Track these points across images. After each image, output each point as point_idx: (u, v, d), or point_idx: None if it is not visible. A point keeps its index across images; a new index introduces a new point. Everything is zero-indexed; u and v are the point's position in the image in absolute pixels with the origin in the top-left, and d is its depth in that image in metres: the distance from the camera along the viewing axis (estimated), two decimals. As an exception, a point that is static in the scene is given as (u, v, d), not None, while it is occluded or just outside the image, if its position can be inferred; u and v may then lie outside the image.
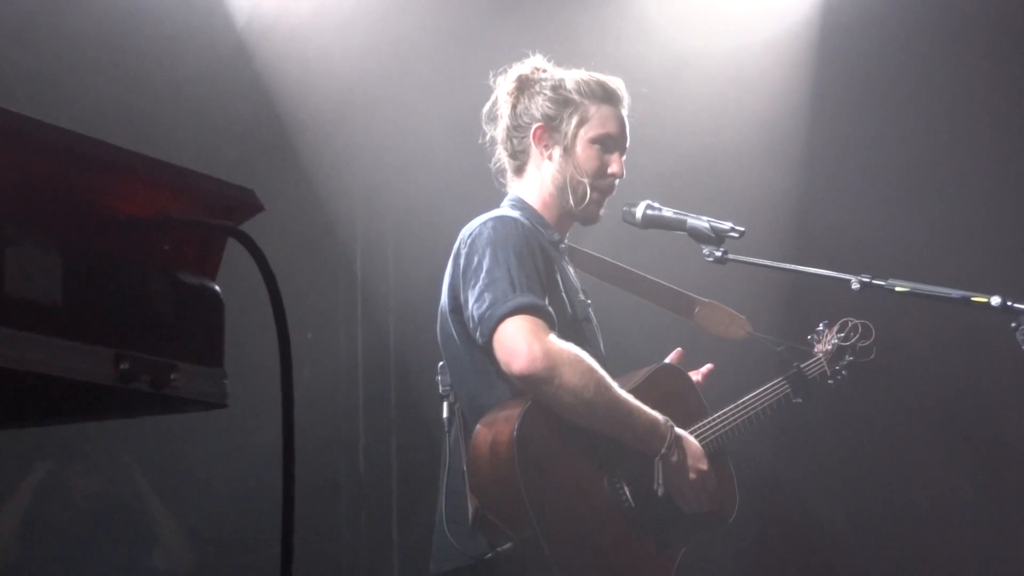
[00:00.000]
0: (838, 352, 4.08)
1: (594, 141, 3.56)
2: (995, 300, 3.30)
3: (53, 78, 4.99)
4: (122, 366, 1.42)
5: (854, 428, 5.54)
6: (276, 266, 1.55)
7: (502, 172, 3.68)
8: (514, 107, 3.61)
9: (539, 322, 3.24)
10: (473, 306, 3.30)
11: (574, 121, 3.55)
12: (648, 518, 3.39)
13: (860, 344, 4.11)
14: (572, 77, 3.60)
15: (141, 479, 5.59)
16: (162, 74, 5.21)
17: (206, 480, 5.62)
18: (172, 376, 1.46)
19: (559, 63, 3.69)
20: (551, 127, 3.56)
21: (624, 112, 3.62)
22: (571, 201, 3.55)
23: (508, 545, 3.19)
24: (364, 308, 6.16)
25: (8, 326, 1.33)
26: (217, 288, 1.54)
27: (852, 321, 4.12)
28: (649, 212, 3.69)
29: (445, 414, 3.39)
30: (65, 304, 1.38)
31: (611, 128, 3.57)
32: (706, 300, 4.10)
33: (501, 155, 3.67)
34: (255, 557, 5.61)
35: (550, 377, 3.21)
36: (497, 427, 3.27)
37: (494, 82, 3.67)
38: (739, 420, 3.69)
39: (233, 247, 1.57)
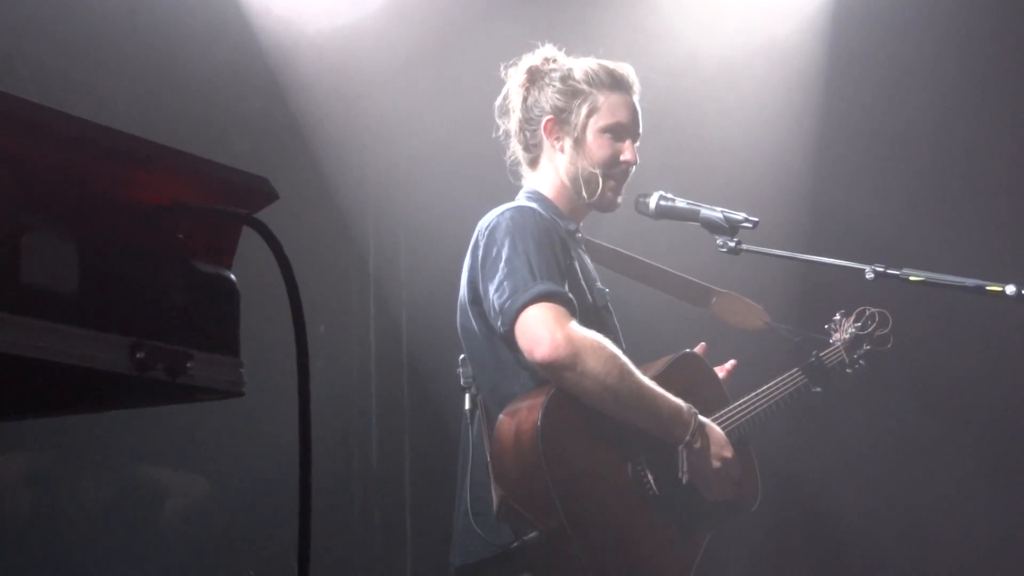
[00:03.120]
0: (856, 341, 4.09)
1: (605, 130, 3.56)
2: (1010, 289, 3.29)
3: (66, 72, 4.99)
4: (138, 355, 1.41)
5: (868, 420, 5.53)
6: (289, 259, 1.55)
7: (517, 165, 3.68)
8: (525, 100, 3.62)
9: (560, 309, 3.24)
10: (494, 296, 3.30)
11: (584, 111, 3.55)
12: (672, 506, 3.38)
13: (878, 332, 4.11)
14: (581, 67, 3.60)
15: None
16: (175, 68, 5.21)
17: (219, 470, 5.62)
18: (188, 364, 1.46)
19: (573, 55, 3.68)
20: (561, 119, 3.56)
21: (635, 99, 3.62)
22: (584, 192, 3.55)
23: (534, 534, 3.19)
24: (377, 301, 6.16)
25: (24, 314, 1.32)
26: (232, 277, 1.54)
27: (869, 309, 4.11)
28: (662, 203, 3.69)
29: (467, 405, 3.37)
30: (81, 293, 1.38)
31: (621, 116, 3.57)
32: (723, 291, 4.10)
33: (515, 148, 3.67)
34: (269, 549, 5.61)
35: (572, 364, 3.20)
36: (520, 416, 3.26)
37: (505, 74, 3.67)
38: (759, 409, 3.69)
39: (247, 237, 1.57)
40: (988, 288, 3.33)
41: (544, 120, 3.57)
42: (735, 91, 5.58)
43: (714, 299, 4.09)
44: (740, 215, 3.63)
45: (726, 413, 3.60)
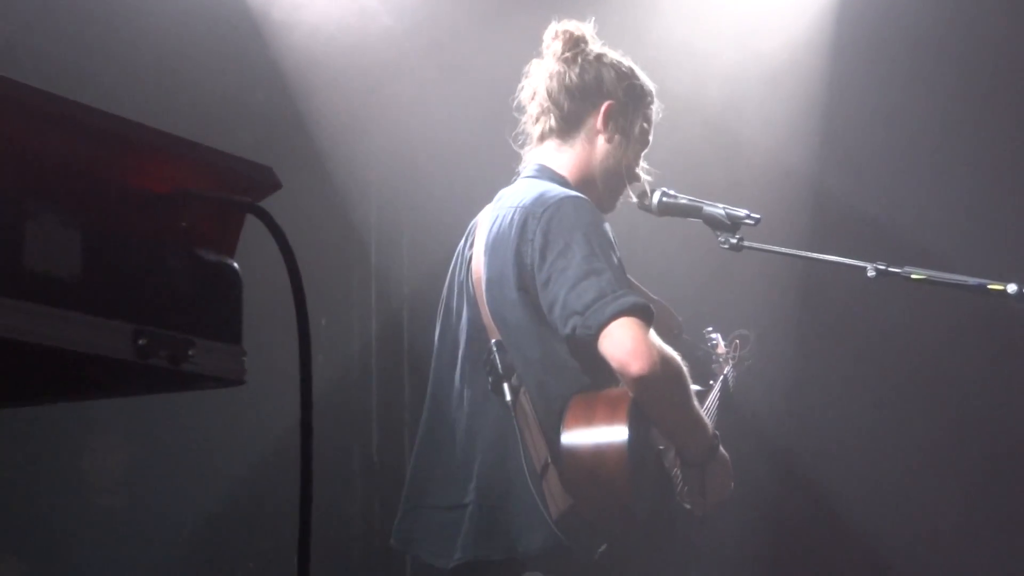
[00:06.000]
0: (727, 360, 4.23)
1: (646, 141, 3.52)
2: (1012, 288, 3.28)
3: (70, 63, 4.99)
4: (140, 342, 1.41)
5: (868, 418, 5.53)
6: (292, 249, 1.54)
7: (523, 113, 3.52)
8: (584, 66, 3.46)
9: (646, 325, 3.14)
10: (568, 295, 3.13)
11: (642, 115, 3.48)
12: (680, 516, 3.40)
13: (740, 354, 4.24)
14: (637, 71, 3.51)
15: None
16: (179, 59, 5.21)
17: (218, 460, 5.62)
18: (190, 352, 1.45)
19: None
20: (622, 111, 3.45)
21: None
22: (607, 187, 3.47)
23: (604, 547, 3.14)
24: (378, 295, 6.17)
25: (27, 300, 1.32)
26: (235, 265, 1.54)
27: (741, 333, 4.25)
28: (665, 199, 3.65)
29: (508, 397, 3.19)
30: (84, 279, 1.38)
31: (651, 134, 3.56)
32: (654, 297, 4.06)
33: (545, 103, 3.47)
34: (269, 542, 5.62)
35: (662, 384, 3.13)
36: (598, 427, 3.17)
37: (558, 31, 3.51)
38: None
39: (250, 226, 1.57)
40: (990, 287, 3.33)
41: (606, 102, 3.44)
42: (738, 89, 5.59)
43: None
44: (742, 212, 3.60)
45: None
